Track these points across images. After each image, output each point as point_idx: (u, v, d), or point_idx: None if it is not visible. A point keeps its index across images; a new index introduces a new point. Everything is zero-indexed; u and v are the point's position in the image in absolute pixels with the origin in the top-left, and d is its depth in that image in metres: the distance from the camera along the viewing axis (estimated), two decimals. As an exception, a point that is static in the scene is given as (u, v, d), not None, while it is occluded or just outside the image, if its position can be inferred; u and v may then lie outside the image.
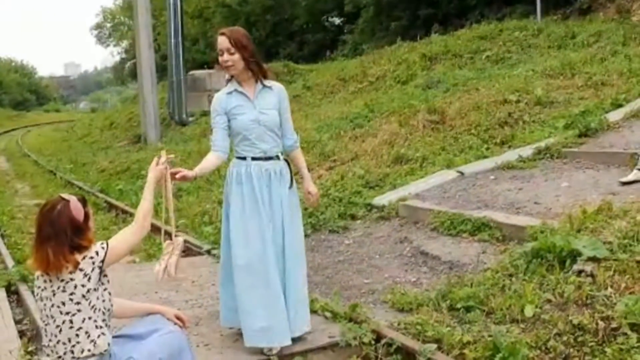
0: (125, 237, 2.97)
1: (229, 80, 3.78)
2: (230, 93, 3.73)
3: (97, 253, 2.79)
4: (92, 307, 2.75)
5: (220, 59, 3.64)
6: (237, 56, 3.63)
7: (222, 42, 3.64)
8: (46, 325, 2.77)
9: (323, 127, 11.33)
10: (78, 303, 2.73)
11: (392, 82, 14.30)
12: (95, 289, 2.77)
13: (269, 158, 3.75)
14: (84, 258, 2.75)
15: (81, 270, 2.74)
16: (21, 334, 4.66)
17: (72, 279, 2.73)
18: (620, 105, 8.09)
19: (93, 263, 2.77)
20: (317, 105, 14.70)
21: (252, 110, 3.71)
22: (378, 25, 21.15)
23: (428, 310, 4.16)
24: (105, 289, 2.83)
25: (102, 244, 2.83)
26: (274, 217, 3.75)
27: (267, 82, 3.78)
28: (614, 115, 7.80)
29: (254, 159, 3.73)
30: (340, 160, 8.89)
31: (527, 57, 12.44)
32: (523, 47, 13.26)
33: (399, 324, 3.99)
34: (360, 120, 10.63)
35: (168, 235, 3.62)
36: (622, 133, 7.31)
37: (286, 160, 3.86)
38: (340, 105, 13.43)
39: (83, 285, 2.74)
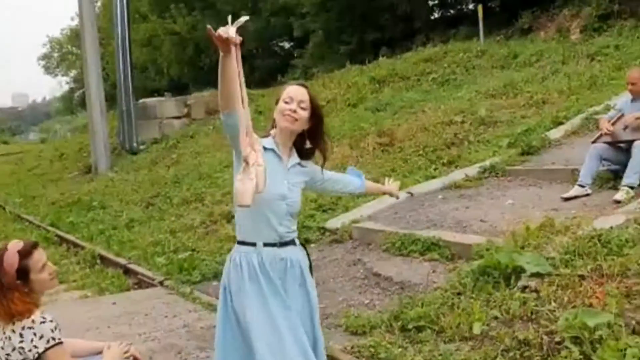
0: None
1: (266, 136, 2.95)
2: (267, 149, 2.84)
3: (38, 336, 2.54)
4: None
5: (285, 106, 2.87)
6: (306, 115, 2.91)
7: (300, 92, 2.92)
8: None
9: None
10: None
11: (343, 106, 14.49)
12: None
13: (285, 244, 2.89)
14: (22, 328, 2.55)
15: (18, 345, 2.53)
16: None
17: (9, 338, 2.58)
18: (561, 123, 8.39)
19: (29, 350, 2.55)
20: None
21: (282, 183, 2.87)
22: (327, 50, 21.41)
23: (381, 332, 4.24)
24: None
25: (52, 329, 2.57)
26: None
27: (304, 162, 3.02)
28: (555, 133, 8.08)
29: (266, 244, 2.85)
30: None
31: (472, 78, 12.79)
32: (467, 68, 13.63)
33: (352, 348, 4.05)
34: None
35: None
36: (563, 150, 7.58)
37: (303, 245, 3.06)
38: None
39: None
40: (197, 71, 25.23)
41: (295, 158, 2.97)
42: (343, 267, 5.99)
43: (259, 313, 2.76)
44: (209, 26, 2.50)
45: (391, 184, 3.58)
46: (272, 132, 2.94)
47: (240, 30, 2.47)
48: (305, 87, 2.98)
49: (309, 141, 2.98)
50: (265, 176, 2.56)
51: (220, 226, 8.22)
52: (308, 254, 3.06)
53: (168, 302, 5.88)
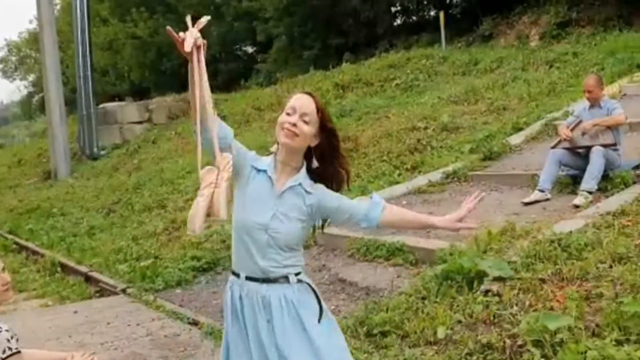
0: None
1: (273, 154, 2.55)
2: (259, 170, 2.52)
3: None
4: None
5: (286, 118, 2.45)
6: (310, 130, 2.47)
7: (304, 103, 2.48)
8: None
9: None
10: None
11: (307, 111, 14.48)
12: None
13: (269, 280, 2.47)
14: None
15: None
16: None
17: None
18: (521, 129, 8.54)
19: None
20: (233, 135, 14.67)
21: (267, 210, 2.46)
22: (291, 54, 21.42)
23: (346, 337, 4.22)
24: None
25: (9, 338, 2.45)
26: None
27: (312, 185, 2.52)
28: (515, 139, 8.22)
29: (247, 278, 2.50)
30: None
31: (434, 85, 12.93)
32: (430, 74, 13.78)
33: (317, 354, 4.04)
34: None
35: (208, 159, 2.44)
36: (523, 155, 7.72)
37: (310, 287, 2.57)
38: (257, 135, 13.47)
39: None
40: (158, 75, 24.97)
41: (295, 180, 2.49)
42: (308, 273, 5.92)
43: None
44: (169, 27, 2.36)
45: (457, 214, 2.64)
46: (274, 148, 2.54)
47: (203, 34, 2.38)
48: (312, 96, 2.52)
49: (318, 162, 2.54)
50: (224, 200, 2.25)
51: (183, 233, 8.13)
52: (317, 297, 2.56)
53: (131, 310, 5.80)
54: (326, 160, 2.54)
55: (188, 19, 2.35)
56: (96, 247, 8.47)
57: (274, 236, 2.44)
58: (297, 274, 2.51)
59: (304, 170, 2.53)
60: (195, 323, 5.20)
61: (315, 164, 2.54)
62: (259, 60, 25.00)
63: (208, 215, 2.28)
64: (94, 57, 19.69)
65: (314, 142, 2.50)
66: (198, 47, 2.31)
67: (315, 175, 2.54)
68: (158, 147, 15.78)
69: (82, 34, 18.27)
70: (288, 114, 2.45)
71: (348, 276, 5.58)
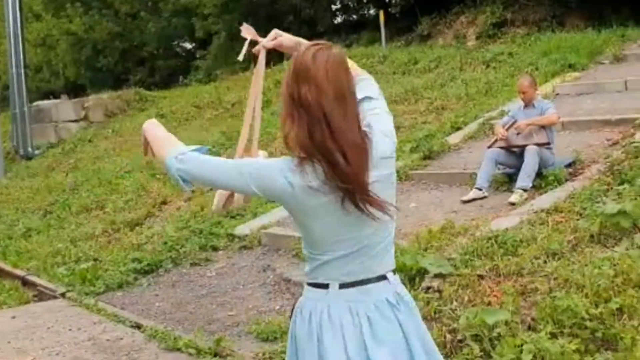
0: None
1: None
2: None
3: None
4: None
5: None
6: None
7: None
8: None
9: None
10: None
11: (248, 109, 14.43)
12: None
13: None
14: None
15: None
16: None
17: None
18: (459, 128, 8.74)
19: None
20: (172, 133, 14.36)
21: None
22: (231, 51, 21.20)
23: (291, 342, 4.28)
24: None
25: None
26: None
27: None
28: (454, 138, 8.42)
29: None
30: (199, 190, 8.86)
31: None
32: (370, 73, 13.77)
33: (264, 354, 4.08)
34: (218, 149, 10.65)
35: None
36: (461, 154, 7.91)
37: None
38: (197, 133, 13.35)
39: None
40: (94, 72, 24.38)
41: None
42: (253, 273, 6.01)
43: None
44: (246, 25, 2.37)
45: None
46: None
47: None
48: None
49: None
50: None
51: (123, 234, 8.02)
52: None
53: (71, 314, 5.69)
54: None
55: (244, 29, 2.38)
56: (33, 249, 8.24)
57: None
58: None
59: None
60: (137, 326, 5.15)
61: None
62: (198, 56, 24.73)
63: (231, 197, 2.24)
64: (27, 54, 19.10)
65: None
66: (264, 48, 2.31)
67: None
68: (95, 146, 15.42)
69: (14, 30, 17.68)
70: None
71: (293, 276, 5.62)
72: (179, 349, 4.32)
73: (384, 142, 2.01)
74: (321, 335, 1.98)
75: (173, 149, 2.10)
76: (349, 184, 1.90)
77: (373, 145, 1.96)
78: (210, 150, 2.56)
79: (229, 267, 6.29)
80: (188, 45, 26.51)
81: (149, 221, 8.39)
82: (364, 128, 1.97)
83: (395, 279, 2.08)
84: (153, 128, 2.24)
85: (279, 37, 2.29)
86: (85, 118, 18.00)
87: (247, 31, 2.35)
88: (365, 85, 2.18)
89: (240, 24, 2.46)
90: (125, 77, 24.45)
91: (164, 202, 8.87)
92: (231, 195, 2.25)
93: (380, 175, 1.97)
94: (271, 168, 1.97)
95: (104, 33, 23.59)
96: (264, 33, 2.34)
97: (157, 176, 10.14)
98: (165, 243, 7.01)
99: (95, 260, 7.21)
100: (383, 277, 2.04)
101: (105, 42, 23.90)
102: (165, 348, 4.57)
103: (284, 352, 3.99)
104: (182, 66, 24.34)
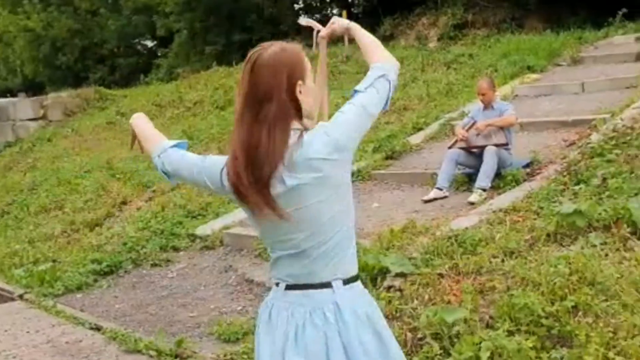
0: None
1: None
2: None
3: None
4: None
5: None
6: None
7: None
8: None
9: (140, 156, 11.09)
10: None
11: (211, 108, 14.36)
12: None
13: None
14: None
15: None
16: None
17: None
18: (421, 129, 8.83)
19: None
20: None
21: None
22: (192, 50, 21.07)
23: (253, 338, 4.28)
24: None
25: None
26: None
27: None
28: (415, 138, 8.50)
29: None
30: (160, 190, 8.78)
31: (338, 84, 13.10)
32: (334, 73, 13.95)
33: (225, 355, 4.07)
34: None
35: None
36: (423, 154, 7.99)
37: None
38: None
39: None
40: (53, 70, 23.94)
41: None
42: (214, 274, 5.98)
43: None
44: (303, 17, 2.42)
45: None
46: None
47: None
48: None
49: None
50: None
51: (83, 235, 7.90)
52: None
53: (29, 316, 5.59)
54: None
55: (304, 21, 2.43)
56: (-12, 251, 8.07)
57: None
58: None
59: None
60: (97, 328, 5.08)
61: None
62: (159, 55, 24.49)
63: None
64: (-18, 50, 18.68)
65: None
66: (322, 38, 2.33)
67: None
68: (54, 145, 15.15)
69: (-32, 25, 17.26)
70: None
71: (255, 276, 5.61)
72: (139, 351, 4.28)
73: (321, 142, 1.90)
74: (259, 331, 2.07)
75: (157, 147, 2.18)
76: (233, 186, 1.92)
77: (301, 147, 1.88)
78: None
79: (191, 268, 6.25)
80: (149, 43, 26.23)
81: (109, 221, 8.29)
82: (296, 127, 1.91)
83: (344, 288, 1.97)
84: (141, 123, 2.32)
85: (333, 25, 2.32)
86: (44, 117, 17.66)
87: (308, 22, 2.40)
88: (366, 76, 2.10)
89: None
90: (85, 75, 24.07)
91: (124, 202, 8.76)
92: None
93: (307, 178, 1.89)
94: (217, 165, 2.01)
95: (63, 30, 23.19)
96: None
97: (117, 176, 10.02)
98: (126, 244, 6.93)
99: (54, 261, 7.09)
100: (327, 285, 1.97)
101: (65, 40, 23.50)
102: (126, 350, 4.52)
103: (246, 353, 4.00)
104: (143, 64, 24.06)
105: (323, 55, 2.33)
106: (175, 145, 2.18)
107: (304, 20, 2.42)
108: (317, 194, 1.90)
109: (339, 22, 2.31)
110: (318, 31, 2.37)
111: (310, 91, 2.03)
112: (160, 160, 2.15)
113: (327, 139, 1.91)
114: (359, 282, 2.05)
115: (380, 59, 2.13)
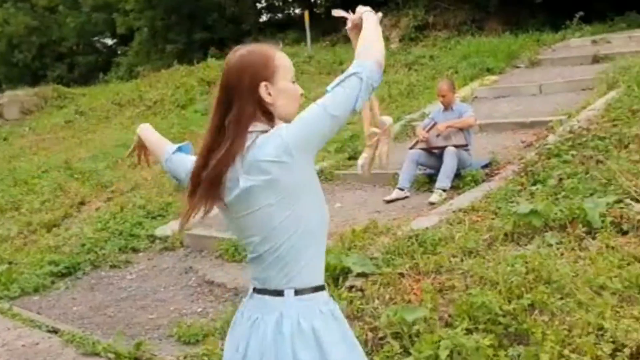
0: None
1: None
2: None
3: None
4: None
5: (297, 87, 2.12)
6: None
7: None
8: None
9: (99, 156, 10.96)
10: None
11: (171, 107, 14.23)
12: None
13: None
14: None
15: None
16: None
17: None
18: (382, 129, 8.88)
19: None
20: (91, 132, 14.10)
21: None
22: (153, 48, 20.88)
23: (214, 340, 4.26)
24: None
25: None
26: None
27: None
28: (377, 139, 8.54)
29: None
30: (119, 190, 8.66)
31: (300, 84, 12.77)
32: (296, 73, 13.94)
33: (185, 357, 4.03)
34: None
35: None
36: (384, 155, 8.04)
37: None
38: (118, 132, 13.05)
39: None
40: (10, 68, 23.46)
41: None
42: (174, 275, 5.92)
43: None
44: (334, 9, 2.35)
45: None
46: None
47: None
48: None
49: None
50: (385, 155, 2.45)
51: (40, 236, 7.73)
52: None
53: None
54: None
55: (336, 12, 2.36)
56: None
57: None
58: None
59: None
60: (54, 331, 4.98)
61: None
62: (119, 53, 24.18)
63: (372, 160, 2.54)
64: None
65: None
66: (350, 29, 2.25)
67: None
68: (10, 144, 14.82)
69: None
70: (294, 82, 2.08)
71: (216, 278, 5.57)
72: (97, 354, 4.21)
73: (273, 144, 1.85)
74: (230, 330, 2.07)
75: (165, 154, 2.25)
76: (190, 185, 1.97)
77: (253, 148, 1.86)
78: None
79: (150, 269, 6.17)
80: (109, 41, 25.89)
81: (67, 222, 8.13)
82: (259, 129, 1.89)
83: (295, 299, 1.90)
84: (149, 134, 2.39)
85: (354, 15, 2.22)
86: (0, 115, 17.28)
87: (339, 13, 2.34)
88: (340, 75, 1.99)
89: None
90: (43, 73, 23.64)
91: (82, 203, 8.62)
92: (372, 159, 2.53)
93: (258, 180, 1.85)
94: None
95: (19, 27, 22.74)
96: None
97: (76, 176, 9.85)
98: (84, 245, 6.82)
99: (9, 263, 6.93)
100: (280, 293, 1.92)
101: (22, 37, 23.04)
102: (84, 353, 4.45)
103: (206, 355, 3.98)
104: (103, 62, 23.75)
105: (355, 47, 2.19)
106: (178, 149, 2.24)
107: (336, 12, 2.38)
108: (267, 197, 1.86)
109: (358, 10, 2.19)
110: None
111: (285, 92, 1.97)
112: (167, 166, 2.24)
113: (279, 141, 1.85)
114: (317, 294, 1.94)
115: (362, 55, 1.99)
